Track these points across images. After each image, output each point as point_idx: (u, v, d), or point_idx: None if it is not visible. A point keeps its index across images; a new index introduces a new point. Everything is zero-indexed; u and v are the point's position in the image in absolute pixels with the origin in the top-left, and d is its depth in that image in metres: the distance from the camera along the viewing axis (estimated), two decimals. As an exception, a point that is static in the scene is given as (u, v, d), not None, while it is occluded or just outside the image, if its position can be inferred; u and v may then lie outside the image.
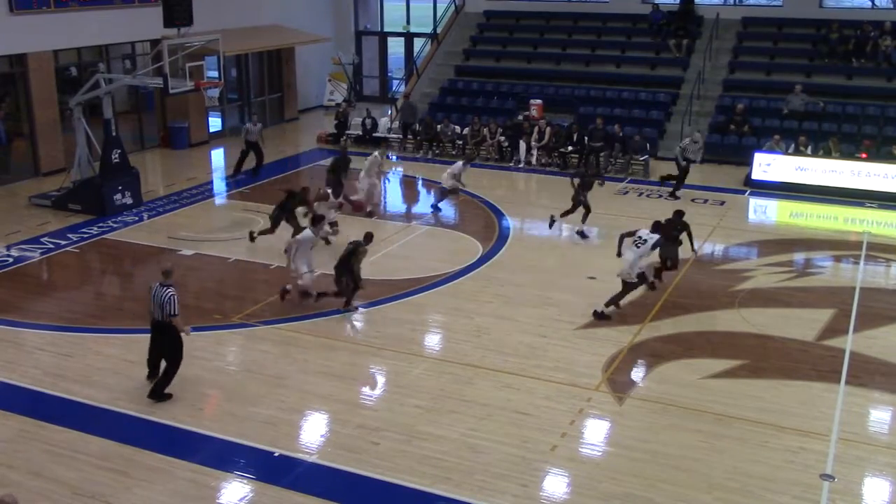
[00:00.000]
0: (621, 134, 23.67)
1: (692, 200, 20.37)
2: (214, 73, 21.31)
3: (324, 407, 11.00)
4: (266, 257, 16.31)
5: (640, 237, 13.58)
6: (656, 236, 13.63)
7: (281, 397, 11.14)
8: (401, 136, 26.42)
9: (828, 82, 25.36)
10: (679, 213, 15.43)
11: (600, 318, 13.61)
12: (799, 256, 16.97)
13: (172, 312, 10.54)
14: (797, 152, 22.00)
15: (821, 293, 14.92)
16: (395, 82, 34.49)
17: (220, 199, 21.11)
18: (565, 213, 17.83)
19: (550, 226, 17.95)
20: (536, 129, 24.39)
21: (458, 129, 25.59)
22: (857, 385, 11.68)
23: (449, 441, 10.17)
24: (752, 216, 20.26)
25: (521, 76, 28.44)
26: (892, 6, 27.67)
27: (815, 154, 22.00)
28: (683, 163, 20.68)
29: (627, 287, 13.70)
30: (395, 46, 35.20)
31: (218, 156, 25.75)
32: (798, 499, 9.18)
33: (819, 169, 21.37)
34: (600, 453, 10.15)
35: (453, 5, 31.92)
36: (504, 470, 9.59)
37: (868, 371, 12.07)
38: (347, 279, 13.70)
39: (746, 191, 21.42)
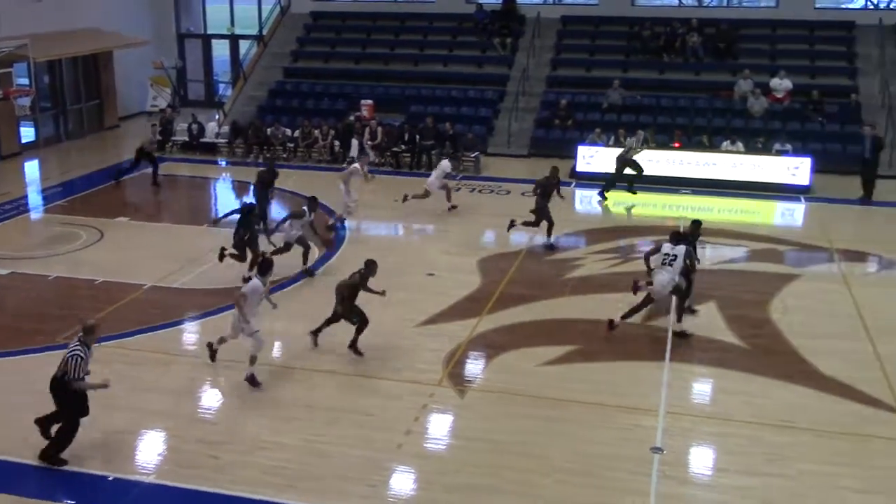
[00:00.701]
0: (451, 132, 24.07)
1: (522, 194, 20.92)
2: (25, 81, 20.13)
3: (159, 424, 10.58)
4: (90, 272, 15.54)
5: (667, 254, 12.78)
6: (683, 247, 12.86)
7: (113, 418, 10.63)
8: (228, 141, 25.78)
9: (642, 77, 26.72)
10: (697, 224, 14.33)
11: (681, 336, 12.99)
12: (624, 243, 17.78)
13: (73, 375, 9.31)
14: (617, 144, 23.06)
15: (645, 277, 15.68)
16: (222, 86, 33.67)
17: (36, 214, 19.92)
18: (528, 224, 17.22)
19: (509, 229, 17.32)
20: (368, 129, 24.41)
21: (288, 131, 25.25)
22: (681, 361, 12.38)
23: (293, 448, 10.03)
24: (578, 207, 21.07)
25: (351, 77, 28.41)
26: (696, 4, 29.48)
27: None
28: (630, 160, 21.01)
29: (679, 291, 12.99)
30: (221, 49, 34.31)
31: (32, 168, 24.28)
32: (633, 473, 9.63)
33: (638, 159, 22.44)
34: (445, 447, 10.29)
35: (279, 6, 31.47)
36: (351, 472, 9.55)
37: (690, 347, 12.82)
38: (353, 316, 12.32)
39: (572, 182, 22.25)
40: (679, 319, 13.22)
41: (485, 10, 29.25)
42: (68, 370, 9.34)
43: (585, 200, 21.43)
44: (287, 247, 15.42)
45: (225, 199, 22.38)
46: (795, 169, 21.82)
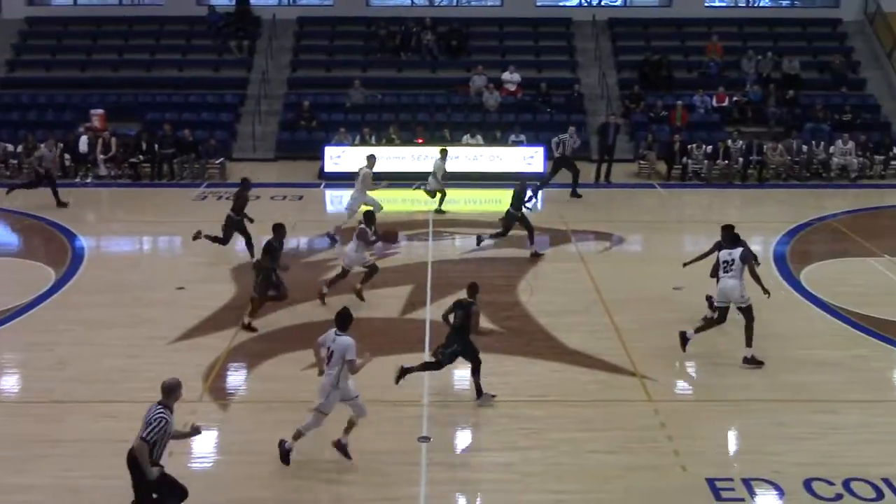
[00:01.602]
0: (192, 139, 23.25)
1: (271, 198, 20.67)
2: None
3: None
4: None
5: (725, 262, 12.24)
6: (738, 250, 12.31)
7: None
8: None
9: (382, 75, 27.23)
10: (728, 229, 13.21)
11: (751, 362, 12.14)
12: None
13: (147, 436, 7.91)
14: (363, 143, 23.35)
15: (399, 271, 16.04)
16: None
17: None
18: (497, 235, 16.91)
19: (478, 243, 17.13)
20: (101, 140, 23.02)
21: (9, 147, 23.27)
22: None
23: (43, 489, 9.27)
24: (329, 207, 21.11)
25: (77, 85, 26.66)
26: (428, 3, 30.40)
27: (379, 143, 23.54)
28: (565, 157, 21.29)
29: (748, 312, 12.22)
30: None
31: None
32: (402, 464, 9.80)
33: (384, 156, 22.76)
34: (212, 464, 9.95)
35: (-13, 11, 28.91)
36: (110, 504, 9.00)
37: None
38: (468, 354, 11.07)
39: (321, 184, 22.26)
40: (749, 343, 12.26)
41: (217, 12, 28.51)
42: (145, 430, 7.97)
43: (336, 200, 21.47)
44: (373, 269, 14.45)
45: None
46: (530, 158, 23.17)
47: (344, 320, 9.64)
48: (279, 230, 13.52)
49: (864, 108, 26.02)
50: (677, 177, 23.20)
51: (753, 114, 25.60)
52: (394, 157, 22.82)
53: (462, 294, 11.32)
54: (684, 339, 12.44)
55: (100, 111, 24.45)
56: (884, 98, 26.65)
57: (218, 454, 10.14)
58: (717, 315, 12.48)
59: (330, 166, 22.89)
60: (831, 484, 9.40)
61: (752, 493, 9.25)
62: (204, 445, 10.29)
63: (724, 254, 12.44)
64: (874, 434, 10.48)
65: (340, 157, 22.90)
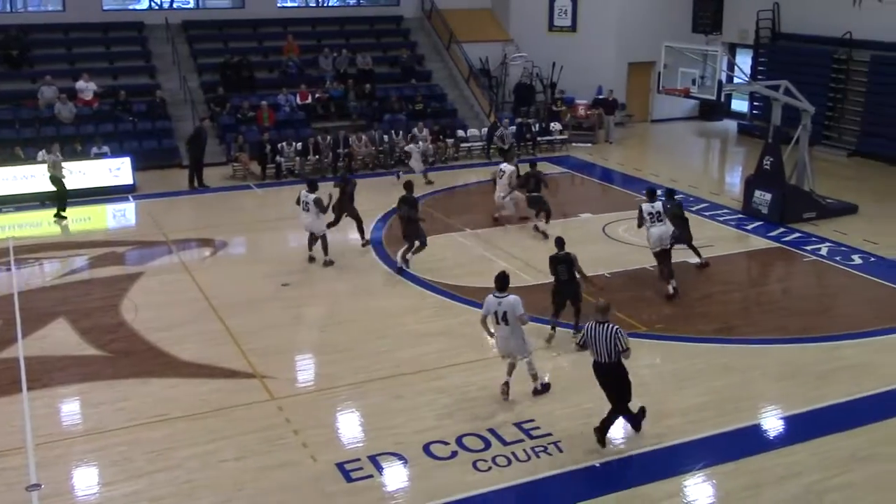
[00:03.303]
0: None
1: None
2: None
3: None
4: None
5: (650, 214, 14.25)
6: (658, 203, 14.51)
7: None
8: None
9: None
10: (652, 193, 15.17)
11: (674, 296, 14.29)
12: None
13: (623, 347, 9.75)
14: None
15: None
16: None
17: None
18: (546, 217, 18.01)
19: (546, 236, 17.35)
20: None
21: None
22: (40, 388, 11.65)
23: None
24: None
25: None
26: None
27: (-65, 168, 20.77)
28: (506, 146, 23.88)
29: (666, 254, 14.38)
30: None
31: None
32: (12, 521, 8.86)
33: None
34: None
35: None
36: None
37: (46, 370, 12.13)
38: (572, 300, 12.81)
39: None
40: (670, 281, 14.46)
41: None
42: (621, 344, 9.70)
43: None
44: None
45: None
46: (117, 170, 21.92)
47: (503, 281, 10.87)
48: (411, 186, 16.34)
49: (433, 97, 28.31)
50: (272, 175, 23.44)
51: (336, 109, 26.61)
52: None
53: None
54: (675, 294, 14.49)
55: None
56: (448, 87, 29.24)
57: None
58: (657, 261, 14.66)
59: None
60: (446, 444, 10.22)
61: (379, 468, 9.74)
62: None
63: (647, 207, 14.51)
64: (478, 390, 11.55)
65: None
